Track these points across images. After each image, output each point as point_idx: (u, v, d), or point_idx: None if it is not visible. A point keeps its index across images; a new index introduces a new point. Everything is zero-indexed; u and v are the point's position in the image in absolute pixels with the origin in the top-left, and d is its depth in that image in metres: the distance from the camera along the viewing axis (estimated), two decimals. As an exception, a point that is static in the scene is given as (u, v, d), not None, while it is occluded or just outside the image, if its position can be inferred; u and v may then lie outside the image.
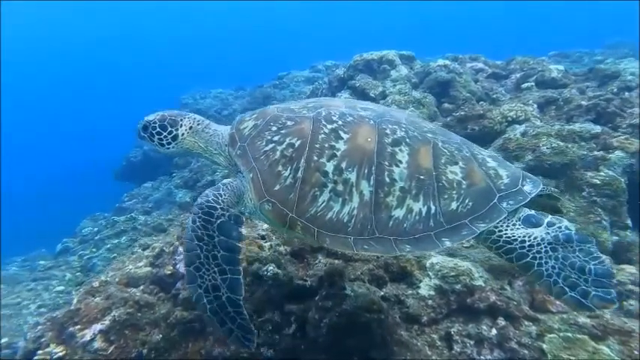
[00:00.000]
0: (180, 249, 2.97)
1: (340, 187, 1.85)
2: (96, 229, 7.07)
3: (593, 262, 1.64)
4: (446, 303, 2.70)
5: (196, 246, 1.82)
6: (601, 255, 1.67)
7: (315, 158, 1.89)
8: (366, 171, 1.85)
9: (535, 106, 5.04)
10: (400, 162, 1.85)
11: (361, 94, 6.11)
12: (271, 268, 2.64)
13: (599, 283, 1.59)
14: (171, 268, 2.87)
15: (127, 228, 6.08)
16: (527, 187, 1.85)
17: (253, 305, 2.48)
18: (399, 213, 1.81)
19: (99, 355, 2.25)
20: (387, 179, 1.83)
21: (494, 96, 5.83)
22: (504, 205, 1.80)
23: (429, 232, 1.80)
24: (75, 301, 2.54)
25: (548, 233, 1.75)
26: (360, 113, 2.02)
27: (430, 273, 2.92)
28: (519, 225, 1.82)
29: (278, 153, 1.93)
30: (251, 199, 1.93)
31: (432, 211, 1.80)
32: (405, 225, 1.80)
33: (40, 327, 2.67)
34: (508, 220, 1.82)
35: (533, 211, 1.87)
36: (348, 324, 2.30)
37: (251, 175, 1.93)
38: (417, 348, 2.34)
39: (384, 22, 51.96)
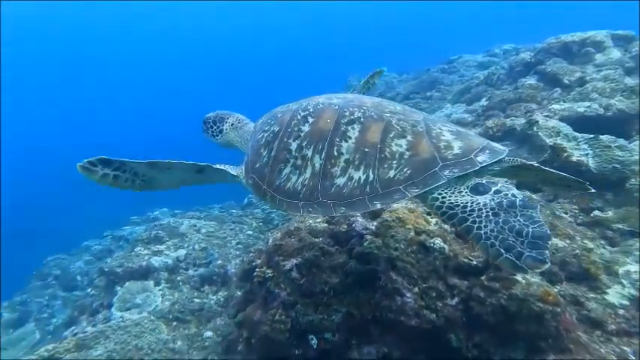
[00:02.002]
0: (354, 212, 3.43)
1: (299, 162, 2.18)
2: (272, 190, 8.55)
3: (532, 226, 1.62)
4: (644, 318, 2.35)
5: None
6: (541, 220, 1.64)
7: (285, 140, 2.27)
8: (320, 147, 2.14)
9: None
10: (349, 138, 2.09)
11: (551, 80, 5.44)
12: (438, 241, 2.81)
13: (534, 245, 1.56)
14: (346, 226, 3.35)
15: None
16: (480, 158, 1.88)
17: (418, 271, 2.72)
18: (340, 181, 2.05)
19: (294, 282, 2.90)
20: (335, 153, 2.08)
21: None
22: (446, 172, 1.86)
23: (364, 197, 1.98)
24: (277, 237, 3.28)
25: (493, 200, 1.79)
26: (332, 101, 2.30)
27: (624, 281, 2.58)
28: (466, 192, 1.86)
29: (264, 140, 2.38)
30: (243, 177, 2.38)
31: (370, 178, 1.99)
32: (344, 191, 2.02)
33: (251, 254, 3.58)
34: (455, 187, 1.90)
35: (484, 181, 1.89)
36: (517, 309, 2.30)
37: (246, 158, 2.46)
38: (601, 354, 2.15)
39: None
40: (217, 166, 2.33)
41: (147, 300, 4.66)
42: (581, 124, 4.40)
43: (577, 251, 2.89)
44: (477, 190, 1.87)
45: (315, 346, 2.65)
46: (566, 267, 2.83)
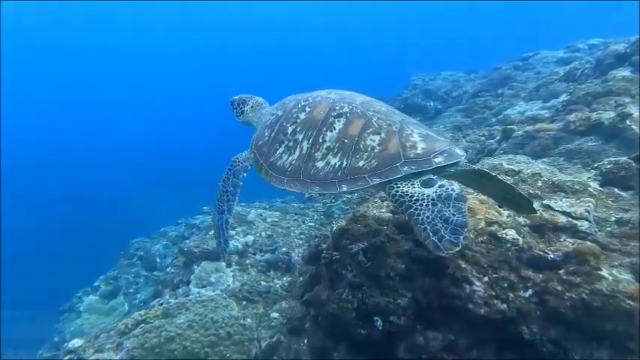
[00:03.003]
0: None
1: (291, 144, 2.55)
2: (333, 186, 8.76)
3: (457, 215, 1.89)
4: None
5: (222, 183, 2.89)
6: (466, 211, 1.93)
7: (284, 124, 2.64)
8: (309, 133, 2.48)
9: None
10: (334, 129, 2.41)
11: (649, 70, 4.91)
12: (511, 232, 2.73)
13: (453, 231, 1.84)
14: (412, 216, 3.38)
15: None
16: (437, 159, 2.17)
17: (489, 261, 2.66)
18: (320, 164, 2.38)
19: (361, 265, 3.00)
20: (321, 140, 2.42)
21: None
22: (405, 168, 2.16)
23: (335, 180, 2.30)
24: (343, 224, 3.40)
25: (436, 192, 2.05)
26: (329, 96, 2.63)
27: None
28: (417, 185, 2.15)
29: (269, 122, 2.78)
30: (248, 151, 2.86)
31: (343, 165, 2.30)
32: (321, 173, 2.36)
33: (317, 239, 3.76)
34: (409, 181, 2.18)
35: (434, 177, 2.17)
36: (602, 305, 2.16)
37: (254, 136, 2.89)
38: None
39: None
40: (243, 174, 2.90)
41: (220, 279, 5.09)
42: (685, 117, 3.92)
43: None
44: (426, 183, 2.15)
45: (380, 328, 2.73)
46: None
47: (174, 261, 6.45)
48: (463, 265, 2.67)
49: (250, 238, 5.84)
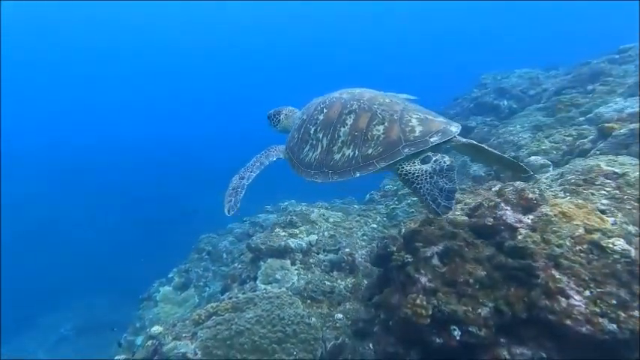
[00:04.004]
0: (502, 205, 3.14)
1: (314, 142, 2.98)
2: (395, 187, 8.50)
3: (449, 184, 2.37)
4: None
5: (255, 159, 3.27)
6: (455, 179, 2.38)
7: (308, 125, 3.08)
8: (328, 132, 2.90)
9: None
10: (347, 124, 2.81)
11: None
12: (619, 242, 2.37)
13: (447, 197, 2.33)
14: (492, 220, 3.08)
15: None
16: (433, 139, 2.57)
17: (590, 273, 2.33)
18: (337, 157, 2.79)
19: (435, 269, 2.82)
20: (336, 136, 2.83)
21: None
22: (406, 150, 2.57)
23: (350, 168, 2.70)
24: (416, 225, 3.23)
25: (431, 167, 2.48)
26: (342, 96, 3.01)
27: None
28: (418, 163, 2.57)
29: (297, 125, 3.25)
30: (284, 152, 3.30)
31: (355, 155, 2.70)
32: (338, 164, 2.76)
33: (385, 240, 3.63)
34: (411, 160, 2.60)
35: (431, 154, 2.56)
36: None
37: (287, 138, 3.35)
38: None
39: None
40: (272, 159, 3.29)
41: (285, 277, 5.17)
42: None
43: None
44: (424, 161, 2.54)
45: (458, 338, 2.53)
46: None
47: (242, 257, 6.71)
48: (557, 276, 2.39)
49: (314, 238, 5.86)
